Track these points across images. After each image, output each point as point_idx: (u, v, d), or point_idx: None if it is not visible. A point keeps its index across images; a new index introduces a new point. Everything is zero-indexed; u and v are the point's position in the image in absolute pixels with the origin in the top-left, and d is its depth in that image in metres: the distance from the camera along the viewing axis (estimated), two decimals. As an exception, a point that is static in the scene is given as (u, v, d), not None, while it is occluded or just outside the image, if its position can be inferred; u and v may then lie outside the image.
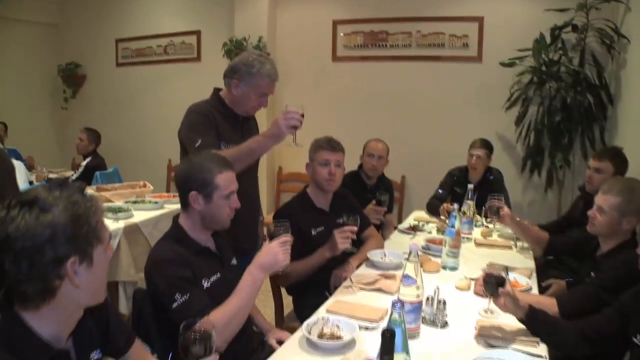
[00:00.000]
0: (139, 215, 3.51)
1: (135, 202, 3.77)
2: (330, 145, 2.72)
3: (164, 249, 1.80)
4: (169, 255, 1.76)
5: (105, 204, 3.52)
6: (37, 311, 1.12)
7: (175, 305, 1.65)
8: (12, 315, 1.12)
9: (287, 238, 1.83)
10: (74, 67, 6.57)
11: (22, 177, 4.01)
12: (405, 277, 1.74)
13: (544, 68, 4.32)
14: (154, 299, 1.77)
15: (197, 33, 5.93)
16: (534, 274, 2.54)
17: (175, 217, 1.93)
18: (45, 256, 1.07)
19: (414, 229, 3.45)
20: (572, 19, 4.17)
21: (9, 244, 1.05)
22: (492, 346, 1.73)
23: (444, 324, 1.89)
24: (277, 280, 2.61)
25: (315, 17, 5.51)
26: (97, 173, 4.72)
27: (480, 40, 4.96)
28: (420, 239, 3.14)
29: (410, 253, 1.78)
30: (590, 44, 4.26)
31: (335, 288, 2.39)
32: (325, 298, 2.40)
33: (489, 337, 1.79)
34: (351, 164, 3.35)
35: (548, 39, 4.28)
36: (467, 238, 3.13)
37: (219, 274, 1.87)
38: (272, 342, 2.03)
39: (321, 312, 1.98)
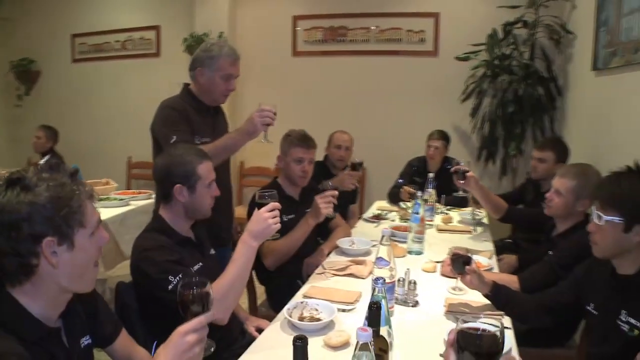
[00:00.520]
0: (105, 213, 3.49)
1: (100, 200, 3.75)
2: (306, 143, 2.78)
3: (149, 239, 1.84)
4: (155, 243, 1.80)
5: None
6: (21, 288, 1.17)
7: (171, 286, 1.68)
8: (2, 292, 1.17)
9: (275, 204, 1.85)
10: (28, 62, 6.36)
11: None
12: (379, 259, 1.85)
13: (497, 62, 4.50)
14: (142, 291, 1.81)
15: (157, 28, 5.87)
16: (494, 256, 2.70)
17: (156, 210, 1.98)
18: (21, 233, 1.12)
19: (378, 217, 3.58)
20: (522, 15, 4.37)
21: None
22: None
23: (415, 303, 2.02)
24: (263, 259, 2.58)
25: (276, 12, 5.55)
26: (57, 171, 4.63)
27: (436, 36, 5.13)
28: (385, 227, 3.27)
29: (383, 237, 1.89)
30: (539, 39, 4.46)
31: (308, 276, 2.48)
32: (298, 286, 2.49)
33: (457, 312, 1.93)
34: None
35: (500, 35, 4.47)
36: (429, 224, 3.27)
37: (200, 264, 1.92)
38: (251, 329, 2.10)
39: (298, 297, 2.07)
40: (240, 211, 4.36)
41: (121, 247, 3.48)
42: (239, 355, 1.78)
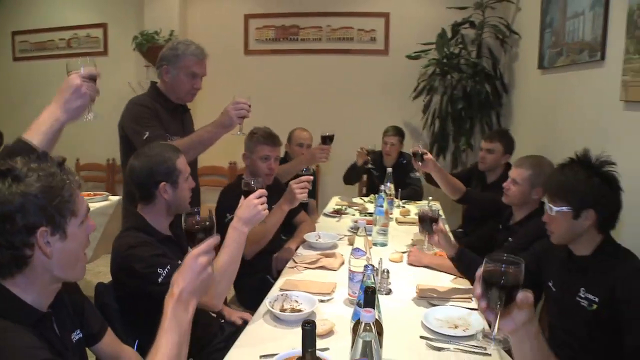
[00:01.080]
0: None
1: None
2: (272, 141, 2.82)
3: (131, 237, 1.84)
4: (138, 240, 1.81)
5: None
6: (13, 280, 1.16)
7: (161, 279, 1.69)
8: None
9: (263, 191, 1.92)
10: (-36, 62, 6.07)
11: None
12: (356, 249, 1.93)
13: (446, 60, 4.69)
14: (126, 289, 1.81)
15: (104, 26, 5.72)
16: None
17: (132, 209, 1.98)
18: (15, 224, 1.11)
19: (338, 212, 3.67)
20: (470, 16, 4.59)
21: None
22: (432, 305, 1.97)
23: (389, 291, 2.11)
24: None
25: (227, 11, 5.55)
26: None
27: (387, 35, 5.28)
28: (347, 221, 3.37)
29: (358, 228, 1.97)
30: (486, 39, 4.69)
31: (278, 271, 2.53)
32: (269, 281, 2.54)
33: (428, 297, 2.03)
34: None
35: (449, 34, 4.66)
36: (389, 217, 3.38)
37: (180, 262, 1.93)
38: (237, 319, 2.14)
39: (276, 290, 2.12)
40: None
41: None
42: (222, 349, 1.82)
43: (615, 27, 2.43)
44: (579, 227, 1.71)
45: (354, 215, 3.61)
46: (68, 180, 1.20)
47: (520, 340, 1.16)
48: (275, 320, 1.84)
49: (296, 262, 2.50)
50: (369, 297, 1.20)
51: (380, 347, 1.34)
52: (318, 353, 1.17)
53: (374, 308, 1.18)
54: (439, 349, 1.63)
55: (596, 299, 1.66)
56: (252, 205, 1.85)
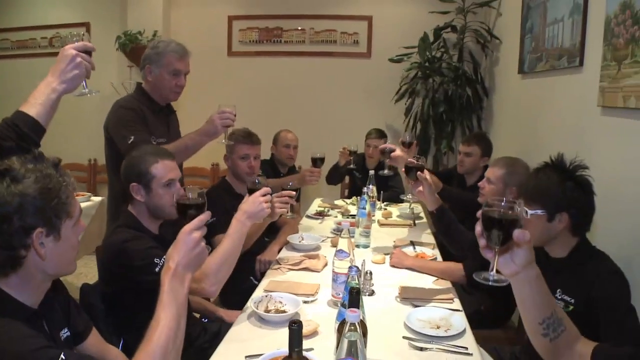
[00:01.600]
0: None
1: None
2: (250, 139, 2.85)
3: (124, 232, 1.85)
4: (131, 235, 1.83)
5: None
6: (6, 280, 1.17)
7: (158, 268, 1.71)
8: None
9: (267, 189, 2.00)
10: (-60, 59, 5.96)
11: None
12: (339, 251, 1.95)
13: (427, 64, 4.74)
14: (118, 285, 1.82)
15: (86, 25, 5.67)
16: (437, 248, 2.87)
17: (123, 208, 1.99)
18: (12, 225, 1.12)
19: (321, 214, 3.69)
20: (452, 20, 4.65)
21: None
22: (415, 305, 2.00)
23: (372, 292, 2.14)
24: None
25: (211, 12, 5.54)
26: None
27: (370, 38, 5.32)
28: (330, 223, 3.40)
29: (341, 230, 2.00)
30: (467, 43, 4.76)
31: (262, 273, 2.55)
32: (252, 283, 2.55)
33: (410, 298, 2.07)
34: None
35: (431, 38, 4.71)
36: (372, 219, 3.41)
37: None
38: (226, 315, 2.19)
39: (260, 291, 2.14)
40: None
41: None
42: (206, 349, 1.83)
43: (593, 35, 2.50)
44: (553, 230, 1.75)
45: (336, 217, 3.64)
46: (65, 182, 1.22)
47: (521, 284, 1.19)
48: (260, 321, 1.85)
49: (280, 264, 2.52)
50: (353, 298, 1.23)
51: (365, 347, 1.37)
52: (304, 353, 1.19)
53: (358, 308, 1.21)
54: (422, 349, 1.66)
55: (572, 300, 1.71)
56: (257, 202, 1.94)
